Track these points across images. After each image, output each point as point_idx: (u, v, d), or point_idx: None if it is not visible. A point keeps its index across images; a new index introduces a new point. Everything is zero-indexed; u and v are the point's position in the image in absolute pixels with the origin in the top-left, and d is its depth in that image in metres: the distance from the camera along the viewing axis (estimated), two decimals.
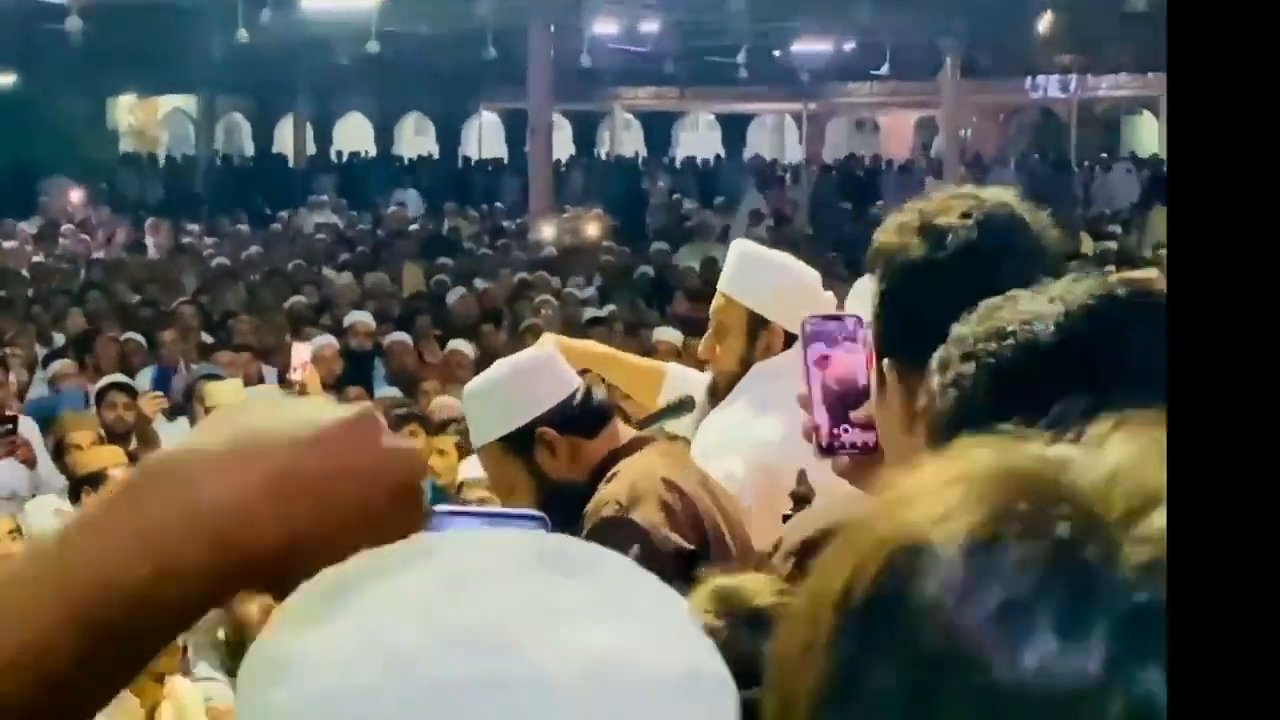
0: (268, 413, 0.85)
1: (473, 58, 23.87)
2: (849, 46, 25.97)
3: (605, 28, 22.16)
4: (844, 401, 1.80)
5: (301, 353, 7.39)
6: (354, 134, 33.52)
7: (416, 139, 35.09)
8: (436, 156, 31.62)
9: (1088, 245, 15.12)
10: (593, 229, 16.36)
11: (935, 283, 1.57)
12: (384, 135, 33.77)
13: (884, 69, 29.04)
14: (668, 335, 9.10)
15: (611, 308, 11.04)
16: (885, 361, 1.63)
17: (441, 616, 0.67)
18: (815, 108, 33.05)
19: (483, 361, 9.24)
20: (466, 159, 31.01)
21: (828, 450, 1.81)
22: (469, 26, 21.36)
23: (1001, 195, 1.70)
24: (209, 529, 0.79)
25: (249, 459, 0.81)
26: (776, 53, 27.32)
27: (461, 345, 9.04)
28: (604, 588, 0.70)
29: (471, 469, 5.57)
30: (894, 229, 1.65)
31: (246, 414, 0.84)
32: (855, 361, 1.80)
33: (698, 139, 35.88)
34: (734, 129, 36.10)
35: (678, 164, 29.43)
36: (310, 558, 0.77)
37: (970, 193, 1.69)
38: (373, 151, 32.17)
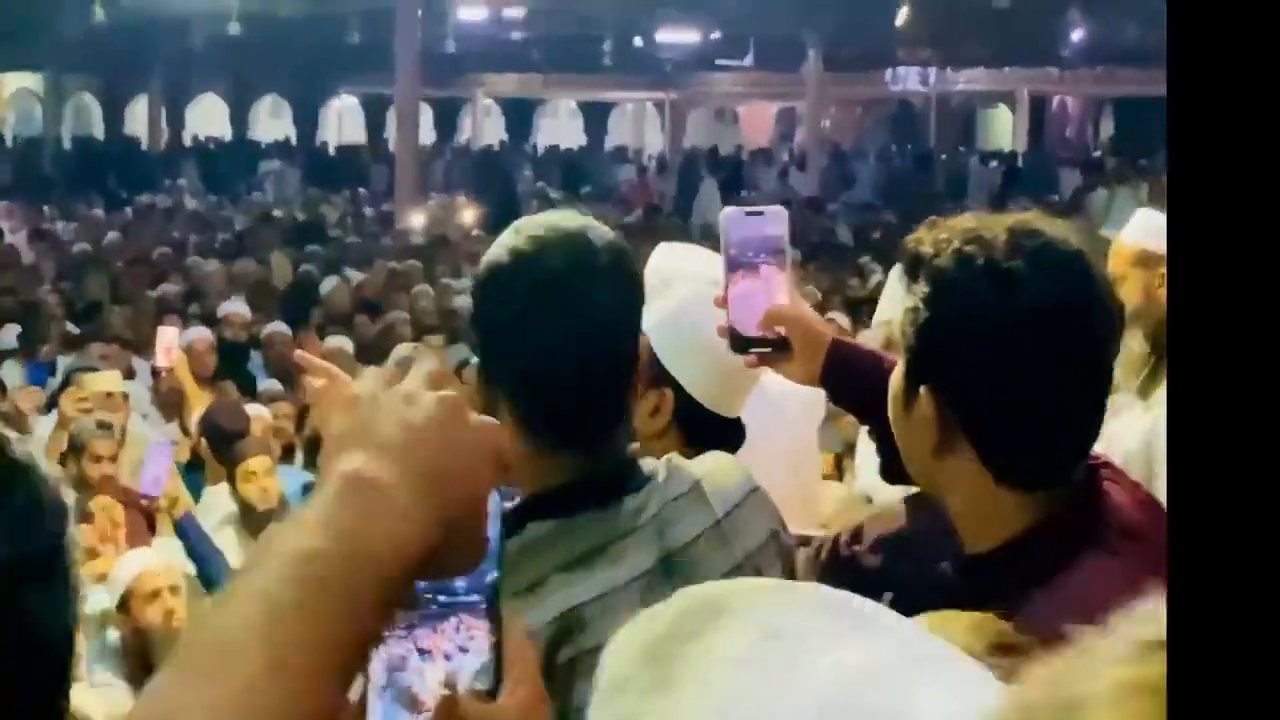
0: (395, 416, 0.91)
1: (334, 41, 23.57)
2: (714, 36, 26.08)
3: (471, 13, 21.98)
4: (754, 303, 1.83)
5: (166, 337, 7.14)
6: (208, 116, 32.87)
7: (272, 122, 34.52)
8: (294, 140, 31.13)
9: None
10: (466, 217, 16.21)
11: (1005, 337, 1.52)
12: (239, 118, 33.16)
13: (747, 60, 29.24)
14: None
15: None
16: (921, 389, 1.59)
17: (783, 680, 0.70)
18: (677, 97, 33.16)
19: (359, 354, 9.13)
20: (325, 144, 30.57)
21: (740, 348, 1.85)
22: (333, 10, 21.05)
23: (1070, 237, 1.59)
24: (401, 565, 0.85)
25: (425, 491, 0.87)
26: (639, 41, 27.35)
27: (341, 340, 8.88)
28: (904, 644, 0.74)
29: None
30: (951, 255, 1.55)
31: (377, 423, 0.91)
32: (774, 278, 1.83)
33: (559, 126, 35.82)
34: (596, 117, 36.09)
35: (540, 152, 29.31)
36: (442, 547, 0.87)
37: (1034, 228, 1.58)
38: (228, 134, 31.57)
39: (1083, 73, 29.94)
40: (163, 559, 4.78)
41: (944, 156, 27.15)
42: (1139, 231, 3.69)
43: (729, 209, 1.86)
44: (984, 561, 1.58)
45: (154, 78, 29.49)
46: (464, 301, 10.81)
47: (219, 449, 5.86)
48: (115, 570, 4.60)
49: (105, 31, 20.27)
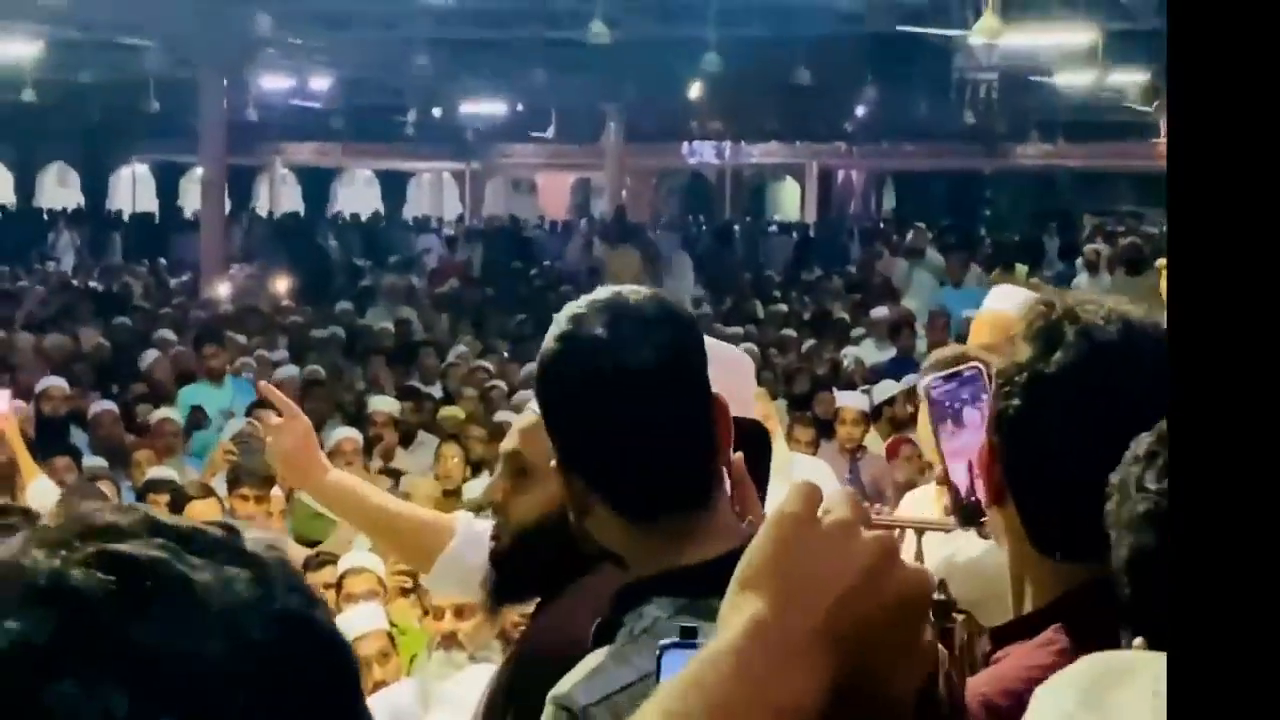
0: (823, 559, 0.88)
1: (129, 107, 23.14)
2: (519, 108, 26.34)
3: (274, 82, 21.85)
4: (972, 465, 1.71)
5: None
6: None
7: (59, 190, 33.64)
8: (82, 208, 30.35)
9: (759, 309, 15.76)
10: (278, 286, 16.07)
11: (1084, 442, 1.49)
12: (24, 186, 32.25)
13: (549, 131, 29.54)
14: (385, 405, 9.00)
15: (316, 369, 10.89)
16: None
17: None
18: (477, 167, 33.32)
19: (188, 429, 9.03)
20: (119, 211, 29.89)
21: (972, 518, 1.72)
22: (131, 76, 20.71)
23: (1151, 322, 1.59)
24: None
25: (839, 646, 0.85)
26: (436, 111, 27.47)
27: (170, 413, 8.78)
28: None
29: None
30: (1030, 359, 1.57)
31: (801, 566, 0.88)
32: (981, 421, 1.71)
33: (356, 194, 35.62)
34: (393, 186, 36.00)
35: (341, 220, 29.10)
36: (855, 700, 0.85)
37: (1121, 312, 1.58)
38: (12, 202, 30.66)
39: (868, 147, 31.00)
40: None
41: (737, 227, 27.80)
42: (1004, 302, 3.95)
43: (932, 379, 1.79)
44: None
45: None
46: (287, 371, 10.75)
47: None
48: None
49: None
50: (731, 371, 2.30)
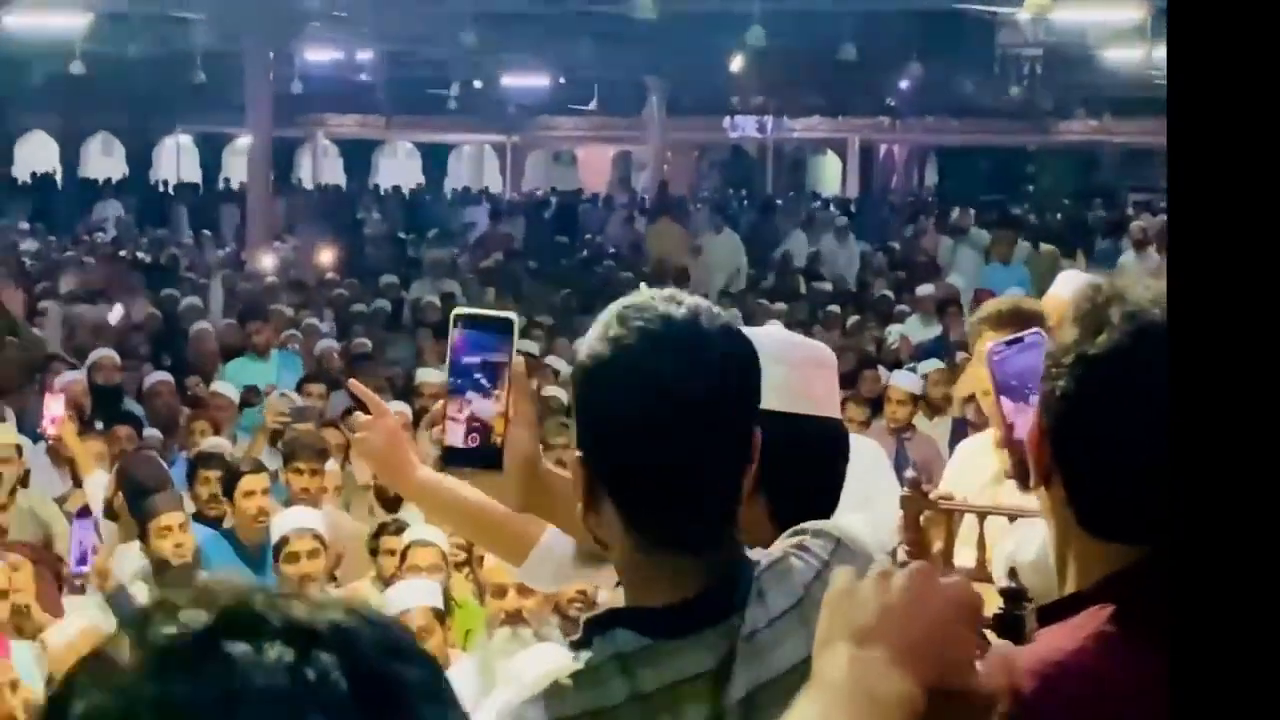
0: (871, 603, 1.13)
1: (174, 79, 23.26)
2: (561, 81, 26.33)
3: (319, 55, 21.90)
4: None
5: (53, 407, 7.08)
6: (37, 153, 32.11)
7: (104, 160, 33.84)
8: (126, 178, 30.54)
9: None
10: (323, 259, 16.13)
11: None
12: (69, 155, 32.45)
13: (591, 104, 29.51)
14: (434, 378, 9.00)
15: (363, 342, 10.95)
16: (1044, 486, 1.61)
17: None
18: (518, 139, 33.32)
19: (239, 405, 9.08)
20: (164, 182, 30.05)
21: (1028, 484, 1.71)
22: (178, 49, 20.81)
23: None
24: None
25: (911, 664, 1.07)
26: (478, 84, 27.48)
27: (224, 386, 8.85)
28: None
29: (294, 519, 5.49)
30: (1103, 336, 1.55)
31: (855, 614, 1.13)
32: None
33: (397, 167, 35.70)
34: (434, 158, 36.05)
35: (384, 192, 29.18)
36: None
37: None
38: (57, 171, 30.88)
39: (911, 122, 30.85)
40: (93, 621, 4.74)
41: (779, 201, 27.74)
42: (1066, 288, 3.96)
43: (993, 345, 1.79)
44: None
45: None
46: (328, 343, 10.82)
47: (134, 503, 5.83)
48: (53, 634, 4.57)
49: None
50: (817, 367, 2.26)
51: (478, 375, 1.80)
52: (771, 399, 1.80)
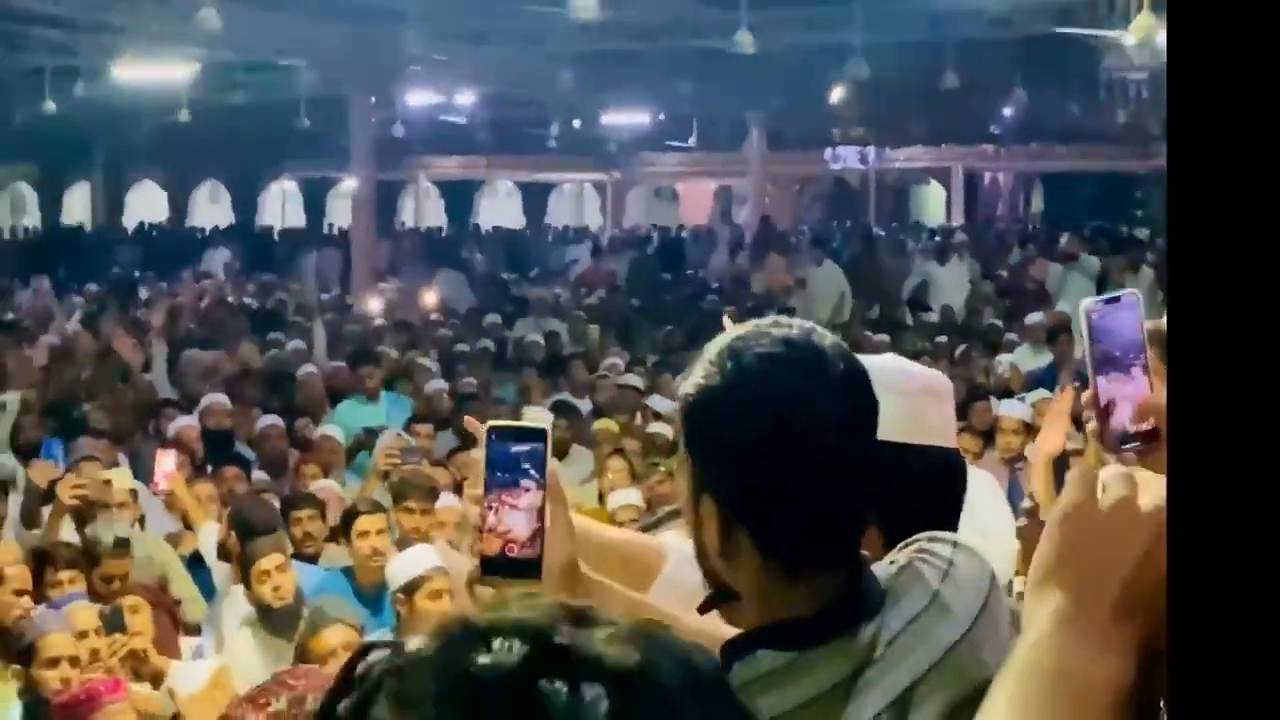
0: (1108, 539, 0.96)
1: (278, 126, 23.61)
2: (660, 117, 26.41)
3: (419, 99, 22.14)
4: (1125, 396, 1.68)
5: (165, 462, 7.14)
6: (147, 202, 32.77)
7: (211, 207, 34.44)
8: (234, 224, 31.04)
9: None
10: (427, 300, 16.25)
11: None
12: (177, 204, 33.08)
13: (691, 140, 29.56)
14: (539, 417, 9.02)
15: (469, 382, 10.97)
16: None
17: None
18: (619, 177, 33.45)
19: (353, 450, 9.12)
20: (269, 228, 30.50)
21: (1116, 446, 1.70)
22: (283, 96, 21.13)
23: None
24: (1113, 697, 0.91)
25: (1133, 621, 0.93)
26: (577, 122, 27.63)
27: (332, 429, 8.89)
28: None
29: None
30: None
31: (1086, 550, 0.95)
32: (1139, 367, 1.70)
33: (498, 206, 35.97)
34: (534, 197, 36.29)
35: (484, 232, 29.40)
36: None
37: None
38: (166, 220, 31.46)
39: (1016, 149, 30.56)
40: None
41: (880, 232, 27.54)
42: None
43: (1088, 301, 1.73)
44: None
45: (92, 164, 29.35)
46: (437, 384, 10.84)
47: (245, 544, 5.85)
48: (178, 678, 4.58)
49: (50, 122, 20.22)
50: (932, 396, 2.21)
51: (512, 485, 1.83)
52: (886, 429, 1.77)
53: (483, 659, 0.75)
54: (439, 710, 0.74)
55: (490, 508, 1.82)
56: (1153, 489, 0.97)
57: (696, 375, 1.69)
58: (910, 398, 2.11)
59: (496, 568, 1.82)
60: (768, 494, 1.62)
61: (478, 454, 1.88)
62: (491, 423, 1.88)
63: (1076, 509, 0.97)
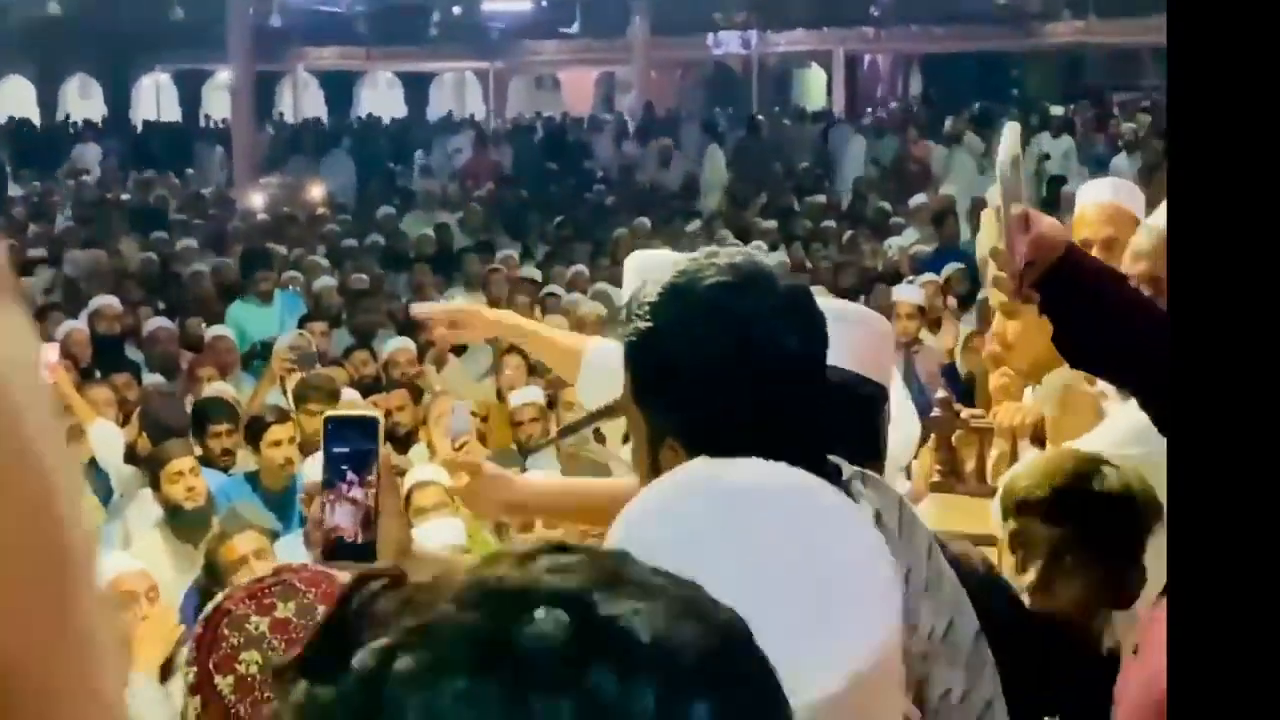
0: None
1: (151, 16, 22.99)
2: (542, 4, 26.05)
3: None
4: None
5: (49, 353, 7.00)
6: (15, 96, 31.79)
7: (82, 102, 33.49)
8: (106, 118, 30.21)
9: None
10: (313, 194, 16.01)
11: None
12: (46, 98, 32.12)
13: (574, 27, 29.21)
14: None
15: (361, 278, 10.87)
16: None
17: None
18: (501, 66, 33.01)
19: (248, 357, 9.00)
20: (146, 122, 29.75)
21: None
22: None
23: None
24: None
25: None
26: (458, 10, 27.17)
27: (224, 330, 8.78)
28: None
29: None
30: None
31: None
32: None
33: (378, 97, 35.37)
34: (416, 88, 35.73)
35: (366, 120, 28.89)
36: None
37: None
38: (35, 116, 30.54)
39: (896, 31, 30.60)
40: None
41: (762, 118, 27.48)
42: (1126, 197, 3.74)
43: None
44: None
45: None
46: (327, 280, 10.72)
47: (155, 443, 5.77)
48: None
49: None
50: (873, 335, 2.29)
51: (347, 472, 1.94)
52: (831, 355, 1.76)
53: (526, 630, 0.71)
54: (473, 684, 0.70)
55: (327, 492, 1.94)
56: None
57: (639, 322, 1.64)
58: (849, 325, 2.14)
59: (335, 551, 1.93)
60: (738, 424, 1.57)
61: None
62: (328, 413, 1.99)
63: None
